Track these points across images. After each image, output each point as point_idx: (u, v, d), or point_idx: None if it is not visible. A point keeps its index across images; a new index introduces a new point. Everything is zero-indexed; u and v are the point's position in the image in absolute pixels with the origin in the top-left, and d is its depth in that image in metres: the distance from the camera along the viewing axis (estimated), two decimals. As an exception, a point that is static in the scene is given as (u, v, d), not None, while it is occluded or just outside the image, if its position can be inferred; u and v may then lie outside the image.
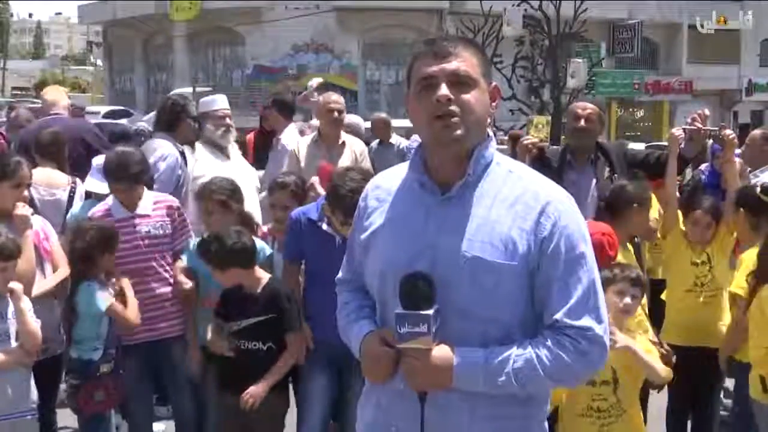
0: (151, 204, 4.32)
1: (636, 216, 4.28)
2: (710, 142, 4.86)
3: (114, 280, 4.08)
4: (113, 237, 4.05)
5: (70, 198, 5.13)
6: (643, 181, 4.50)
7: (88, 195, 5.06)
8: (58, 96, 6.69)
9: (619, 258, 3.97)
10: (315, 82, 8.30)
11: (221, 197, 4.34)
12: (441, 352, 2.03)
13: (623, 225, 4.22)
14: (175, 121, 5.55)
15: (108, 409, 4.10)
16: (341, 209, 3.71)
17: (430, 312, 2.00)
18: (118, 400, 4.16)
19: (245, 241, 3.98)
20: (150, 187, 4.55)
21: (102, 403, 4.02)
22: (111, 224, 4.11)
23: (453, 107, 2.05)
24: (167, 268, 4.28)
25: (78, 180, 5.28)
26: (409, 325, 2.00)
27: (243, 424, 3.97)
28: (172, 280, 4.29)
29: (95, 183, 4.88)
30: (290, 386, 4.23)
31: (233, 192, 4.41)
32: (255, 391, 3.90)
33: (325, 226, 3.94)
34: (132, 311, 4.03)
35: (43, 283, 4.10)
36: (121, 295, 4.08)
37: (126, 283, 4.10)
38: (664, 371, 3.54)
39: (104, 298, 3.95)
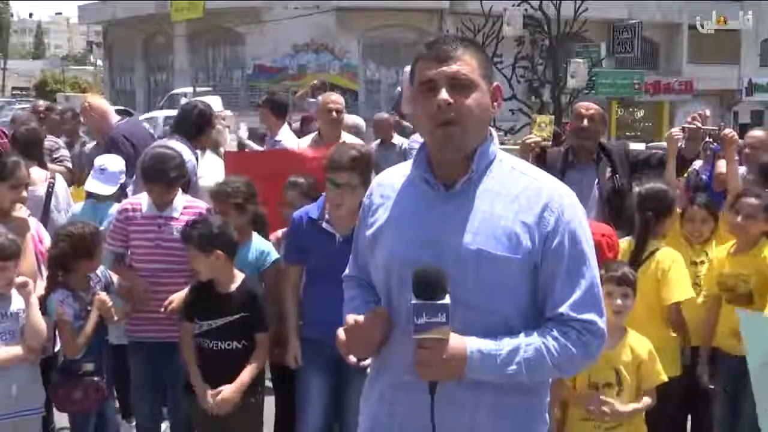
0: (181, 207, 4.31)
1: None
2: (704, 141, 4.83)
3: (95, 286, 4.04)
4: (92, 244, 3.98)
5: (48, 194, 5.11)
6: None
7: (89, 195, 5.07)
8: (106, 104, 6.66)
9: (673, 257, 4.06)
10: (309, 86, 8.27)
11: (237, 200, 4.27)
12: (456, 341, 2.04)
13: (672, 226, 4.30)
14: (198, 131, 5.52)
15: (90, 408, 4.03)
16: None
17: (448, 301, 1.99)
18: (101, 399, 4.10)
19: (230, 229, 3.96)
20: (185, 190, 4.53)
21: (82, 402, 3.97)
22: (91, 230, 4.03)
23: (453, 113, 2.09)
24: (185, 274, 4.19)
25: (57, 176, 5.31)
26: (427, 316, 1.99)
27: (221, 427, 3.92)
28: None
29: (96, 184, 4.89)
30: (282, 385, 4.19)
31: (249, 194, 4.33)
32: (228, 396, 3.83)
33: (325, 225, 3.90)
34: (79, 336, 3.91)
35: (39, 286, 4.08)
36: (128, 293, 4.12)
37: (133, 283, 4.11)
38: (646, 405, 3.60)
39: (58, 313, 3.88)
